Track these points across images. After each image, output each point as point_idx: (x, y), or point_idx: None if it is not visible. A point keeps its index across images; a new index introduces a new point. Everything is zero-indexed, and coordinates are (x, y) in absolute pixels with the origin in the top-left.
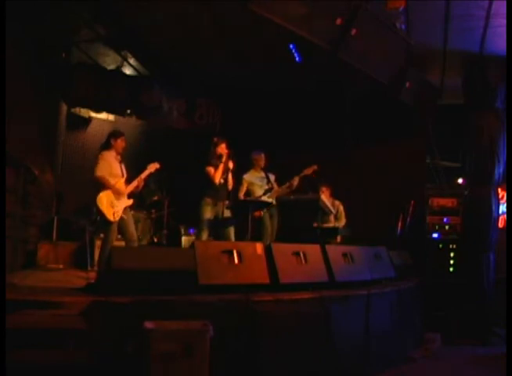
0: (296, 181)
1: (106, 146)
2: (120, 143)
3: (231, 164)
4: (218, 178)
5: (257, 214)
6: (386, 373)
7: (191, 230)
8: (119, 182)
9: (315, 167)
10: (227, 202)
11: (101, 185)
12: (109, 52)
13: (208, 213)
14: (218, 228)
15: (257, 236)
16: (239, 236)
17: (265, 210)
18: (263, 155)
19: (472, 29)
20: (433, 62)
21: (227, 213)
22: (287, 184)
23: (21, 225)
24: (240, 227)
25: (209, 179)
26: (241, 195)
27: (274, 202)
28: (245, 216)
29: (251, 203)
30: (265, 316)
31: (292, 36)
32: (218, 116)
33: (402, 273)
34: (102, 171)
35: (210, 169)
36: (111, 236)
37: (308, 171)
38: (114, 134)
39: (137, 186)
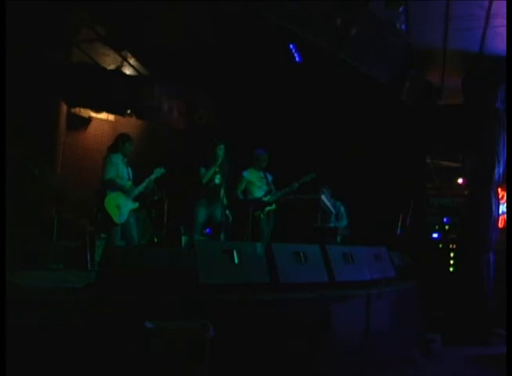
0: (295, 187)
1: (114, 148)
2: (128, 147)
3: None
4: (206, 179)
5: (253, 214)
6: (386, 373)
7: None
8: (127, 184)
9: (313, 175)
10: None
11: (108, 187)
12: (109, 52)
13: (202, 213)
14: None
15: (254, 237)
16: (238, 237)
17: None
18: (266, 155)
19: (472, 29)
20: (433, 62)
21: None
22: (287, 190)
23: (21, 225)
24: (238, 227)
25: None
26: (238, 193)
27: (274, 207)
28: (245, 216)
29: (253, 203)
30: (265, 316)
31: (292, 36)
32: (218, 116)
33: (402, 273)
34: (110, 174)
35: (203, 170)
36: (115, 238)
37: (307, 178)
38: (123, 138)
39: (143, 190)
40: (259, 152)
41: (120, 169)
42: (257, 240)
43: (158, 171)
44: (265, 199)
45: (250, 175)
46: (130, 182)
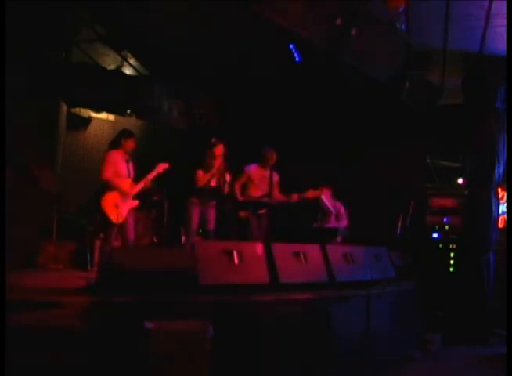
0: (296, 198)
1: (115, 145)
2: (130, 144)
3: (228, 176)
4: (202, 182)
5: (243, 214)
6: (386, 373)
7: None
8: (125, 182)
9: (318, 194)
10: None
11: (107, 186)
12: (109, 52)
13: (195, 213)
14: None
15: (242, 237)
16: (235, 237)
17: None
18: (273, 153)
19: (472, 29)
20: (433, 62)
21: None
22: (286, 197)
23: (21, 225)
24: (235, 227)
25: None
26: (237, 187)
27: (269, 208)
28: (243, 216)
29: (251, 204)
30: (265, 316)
31: (292, 36)
32: (217, 116)
33: (402, 273)
34: (108, 173)
35: (199, 172)
36: (112, 237)
37: (311, 195)
38: (125, 134)
39: (144, 187)
40: (265, 149)
41: (120, 167)
42: (253, 239)
43: (160, 167)
44: (262, 200)
45: (253, 172)
46: (129, 180)
